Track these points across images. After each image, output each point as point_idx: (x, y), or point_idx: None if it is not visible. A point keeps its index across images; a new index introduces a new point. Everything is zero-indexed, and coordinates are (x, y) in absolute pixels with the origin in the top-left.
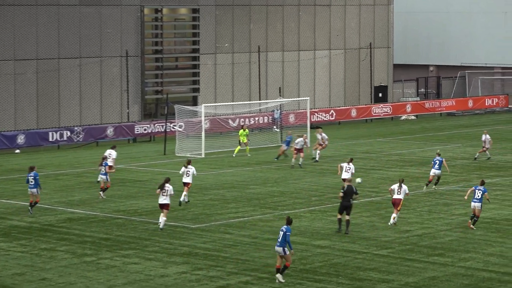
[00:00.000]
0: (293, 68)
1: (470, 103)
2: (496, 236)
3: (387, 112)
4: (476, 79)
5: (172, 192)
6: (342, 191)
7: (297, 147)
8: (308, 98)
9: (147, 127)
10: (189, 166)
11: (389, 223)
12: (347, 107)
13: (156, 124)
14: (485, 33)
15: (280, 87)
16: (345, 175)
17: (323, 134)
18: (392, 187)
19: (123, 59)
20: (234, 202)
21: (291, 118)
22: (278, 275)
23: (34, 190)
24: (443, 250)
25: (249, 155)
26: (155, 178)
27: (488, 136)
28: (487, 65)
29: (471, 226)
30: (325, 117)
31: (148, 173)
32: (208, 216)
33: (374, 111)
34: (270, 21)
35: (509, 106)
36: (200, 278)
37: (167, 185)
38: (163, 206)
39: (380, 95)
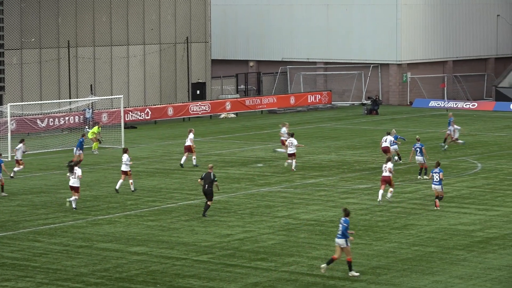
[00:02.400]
0: (105, 64)
1: (292, 100)
2: (321, 238)
3: (205, 110)
4: (298, 74)
5: (80, 174)
6: (200, 178)
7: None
8: (122, 96)
9: None
10: (124, 155)
11: (378, 200)
12: (164, 105)
13: None
14: (307, 27)
15: (91, 85)
16: (290, 150)
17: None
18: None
19: None
20: (43, 208)
21: (104, 117)
22: (352, 273)
23: None
24: (265, 254)
25: (96, 152)
26: None
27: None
28: (309, 60)
29: (437, 205)
30: (140, 115)
31: None
32: (16, 223)
33: (192, 109)
34: (80, 14)
35: (333, 102)
36: None
37: (76, 168)
38: (73, 188)
39: (198, 92)
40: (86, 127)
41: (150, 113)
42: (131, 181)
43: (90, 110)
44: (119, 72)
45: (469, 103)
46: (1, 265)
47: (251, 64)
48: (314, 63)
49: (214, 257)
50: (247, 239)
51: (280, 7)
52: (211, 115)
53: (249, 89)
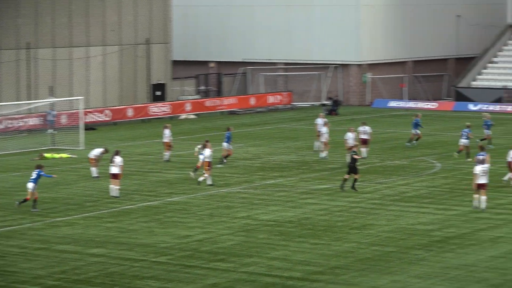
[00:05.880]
0: (65, 66)
1: (252, 101)
2: (280, 239)
3: (165, 111)
4: (259, 75)
5: (121, 164)
6: (353, 153)
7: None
8: (82, 97)
9: None
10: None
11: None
12: (123, 106)
13: None
14: (267, 28)
15: (51, 86)
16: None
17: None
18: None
19: None
20: (1, 210)
21: (64, 119)
22: None
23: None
24: (224, 255)
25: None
26: None
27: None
28: (270, 61)
29: None
30: (100, 117)
31: None
32: None
33: (152, 110)
34: (40, 16)
35: (293, 103)
36: None
37: (116, 157)
38: (114, 176)
39: (158, 93)
40: (51, 129)
41: (110, 114)
42: None
43: (54, 112)
44: (78, 74)
45: (429, 103)
46: None
47: (211, 65)
48: (275, 64)
49: (173, 258)
50: (206, 240)
51: (240, 8)
52: (171, 116)
53: (210, 90)
